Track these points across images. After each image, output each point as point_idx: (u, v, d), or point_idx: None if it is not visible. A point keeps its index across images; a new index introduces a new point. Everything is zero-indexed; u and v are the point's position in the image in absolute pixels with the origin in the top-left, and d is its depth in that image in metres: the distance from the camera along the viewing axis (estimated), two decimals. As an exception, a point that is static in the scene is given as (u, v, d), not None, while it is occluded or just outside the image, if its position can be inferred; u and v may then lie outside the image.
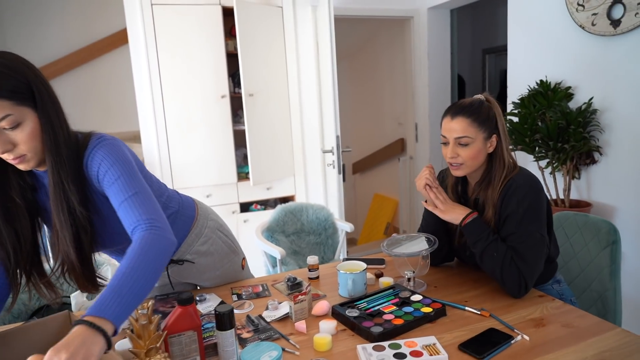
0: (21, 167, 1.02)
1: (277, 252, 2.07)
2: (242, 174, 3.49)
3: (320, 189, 3.71)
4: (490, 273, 1.35)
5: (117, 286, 0.87)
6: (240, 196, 3.45)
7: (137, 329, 0.90)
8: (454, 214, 1.39)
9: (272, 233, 2.34)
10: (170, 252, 1.02)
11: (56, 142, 1.01)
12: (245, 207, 3.54)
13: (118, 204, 1.04)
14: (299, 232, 2.43)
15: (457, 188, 1.48)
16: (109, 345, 0.82)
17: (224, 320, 1.00)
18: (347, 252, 3.34)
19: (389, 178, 4.86)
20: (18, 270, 1.10)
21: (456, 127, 1.33)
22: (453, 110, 1.36)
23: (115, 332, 0.84)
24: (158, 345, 0.91)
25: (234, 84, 3.44)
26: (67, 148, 1.03)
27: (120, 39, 4.31)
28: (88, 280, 1.13)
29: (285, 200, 3.62)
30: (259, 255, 2.31)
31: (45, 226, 1.19)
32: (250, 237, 2.67)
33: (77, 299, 1.50)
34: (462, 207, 1.40)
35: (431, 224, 1.51)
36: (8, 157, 0.99)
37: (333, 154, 2.96)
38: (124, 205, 1.03)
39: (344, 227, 2.44)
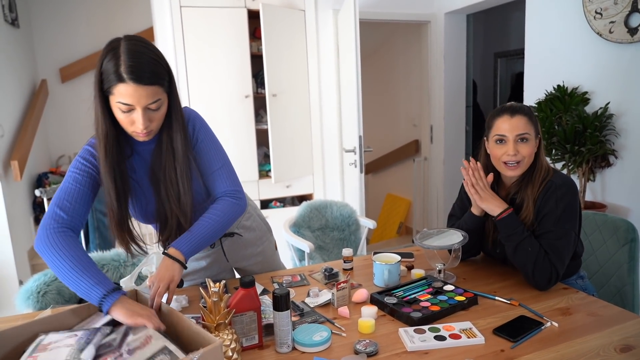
0: (144, 139, 1.18)
1: (306, 246, 2.17)
2: (263, 172, 3.60)
3: (338, 187, 3.81)
4: (520, 266, 1.42)
5: (196, 232, 1.23)
6: (260, 193, 3.56)
7: (210, 305, 1.00)
8: (492, 204, 1.46)
9: (298, 228, 2.44)
10: (240, 216, 1.34)
11: (182, 119, 1.23)
12: (265, 204, 3.64)
13: (210, 171, 1.30)
14: (323, 227, 2.52)
15: (492, 190, 1.53)
16: (185, 267, 1.20)
17: (281, 302, 1.09)
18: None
19: (402, 178, 4.95)
20: (129, 231, 1.30)
21: (517, 124, 1.40)
22: (510, 110, 1.43)
23: (185, 260, 1.20)
24: (226, 321, 1.01)
25: (256, 85, 3.54)
26: (185, 123, 1.24)
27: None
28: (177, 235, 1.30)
29: (303, 198, 3.72)
30: (285, 249, 2.41)
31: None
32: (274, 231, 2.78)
33: (126, 284, 1.60)
34: (500, 200, 1.47)
35: (469, 223, 1.55)
36: (142, 131, 1.14)
37: (355, 154, 3.05)
38: (216, 174, 1.31)
39: (367, 223, 2.53)
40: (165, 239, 1.33)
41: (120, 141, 1.22)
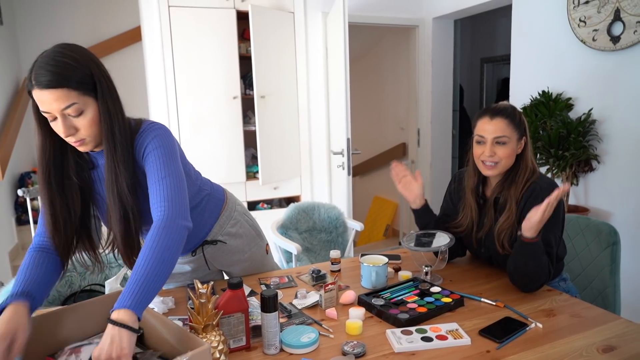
0: (80, 149, 1.13)
1: (293, 247, 2.17)
2: (250, 174, 3.59)
3: (326, 189, 3.81)
4: (520, 274, 1.41)
5: (136, 280, 0.98)
6: (248, 195, 3.54)
7: (197, 306, 0.99)
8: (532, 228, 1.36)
9: (285, 230, 2.43)
10: (183, 237, 1.10)
11: (112, 130, 1.11)
12: (252, 206, 3.63)
13: (151, 182, 1.14)
14: (311, 229, 2.52)
15: (477, 190, 1.58)
16: (138, 330, 0.95)
17: (269, 303, 1.09)
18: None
19: (390, 181, 4.93)
20: (68, 241, 1.19)
21: (495, 127, 1.44)
22: (491, 112, 1.46)
23: (139, 319, 0.96)
24: (214, 322, 1.00)
25: (245, 86, 3.53)
26: (121, 135, 1.13)
27: (130, 37, 4.39)
28: (130, 257, 1.22)
29: (291, 200, 3.71)
30: (273, 251, 2.40)
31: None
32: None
33: (112, 285, 1.58)
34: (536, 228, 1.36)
35: (422, 218, 1.64)
36: (70, 140, 1.09)
37: (343, 156, 3.06)
38: (155, 185, 1.13)
39: (355, 225, 2.54)
40: (112, 250, 1.25)
41: (67, 154, 1.17)
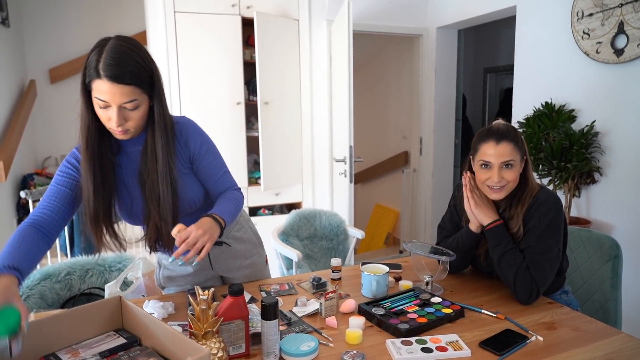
0: (120, 137, 1.21)
1: (294, 254, 2.17)
2: (252, 179, 3.59)
3: (327, 196, 3.81)
4: (504, 278, 1.45)
5: (227, 208, 1.31)
6: (249, 200, 3.55)
7: (198, 313, 0.99)
8: (483, 213, 1.48)
9: (287, 237, 2.43)
10: (241, 209, 1.43)
11: (165, 124, 1.23)
12: (253, 212, 3.63)
13: (217, 176, 1.38)
14: (312, 237, 2.52)
15: None
16: (221, 234, 1.24)
17: (270, 311, 1.09)
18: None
19: (391, 189, 4.98)
20: (95, 218, 1.25)
21: (503, 151, 1.41)
22: (496, 136, 1.43)
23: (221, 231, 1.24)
24: (214, 329, 1.00)
25: (248, 92, 3.55)
26: (166, 127, 1.24)
27: (135, 42, 4.41)
28: (154, 241, 1.32)
29: (292, 206, 3.71)
30: (273, 257, 2.40)
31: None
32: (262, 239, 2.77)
33: (111, 289, 1.58)
34: (493, 211, 1.49)
35: (465, 239, 1.55)
36: (115, 128, 1.17)
37: (345, 164, 3.07)
38: (222, 178, 1.39)
39: (356, 233, 2.54)
40: (148, 241, 1.33)
41: (104, 136, 1.23)
